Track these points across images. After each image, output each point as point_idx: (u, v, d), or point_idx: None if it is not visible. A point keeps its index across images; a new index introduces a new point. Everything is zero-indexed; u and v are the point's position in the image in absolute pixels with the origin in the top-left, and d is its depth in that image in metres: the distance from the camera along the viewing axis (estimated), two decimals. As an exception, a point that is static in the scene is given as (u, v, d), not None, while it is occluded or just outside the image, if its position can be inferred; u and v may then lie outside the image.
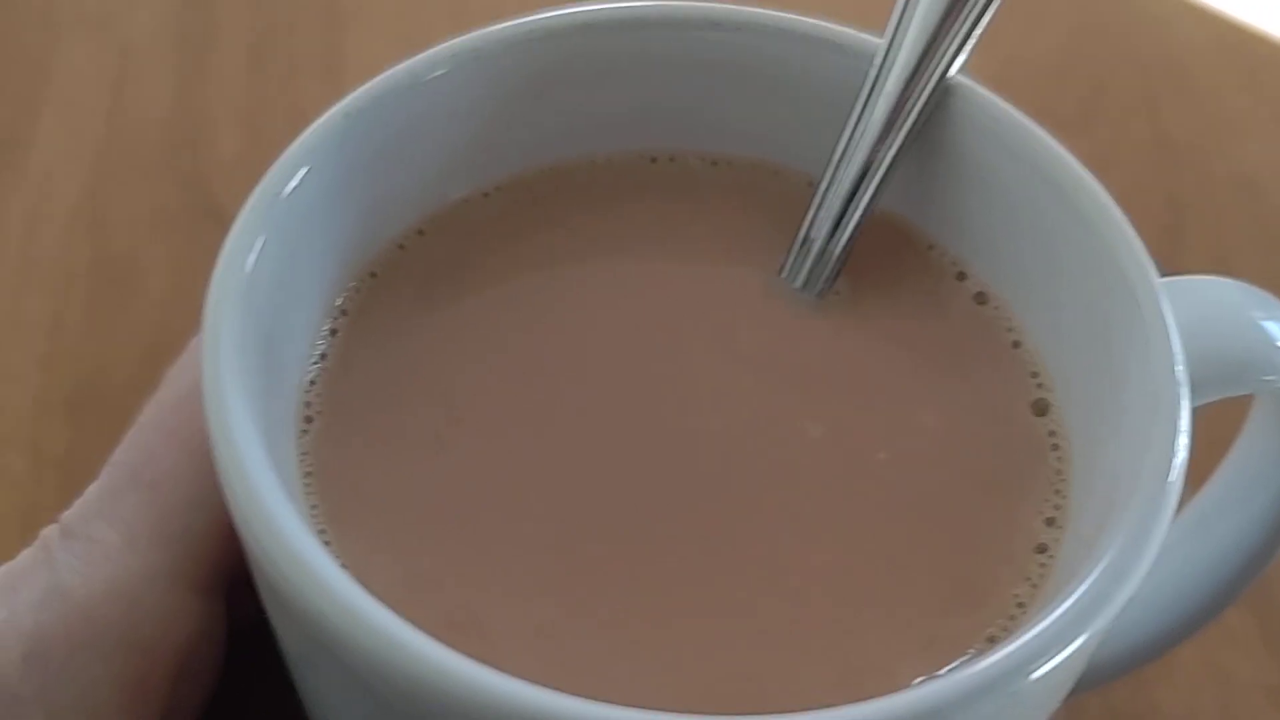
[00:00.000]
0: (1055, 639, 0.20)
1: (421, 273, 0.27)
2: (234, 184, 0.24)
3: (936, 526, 0.24)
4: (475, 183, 0.29)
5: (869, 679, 0.22)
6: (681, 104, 0.29)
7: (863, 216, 0.27)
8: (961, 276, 0.28)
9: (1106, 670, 0.32)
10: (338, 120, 0.26)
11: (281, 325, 0.25)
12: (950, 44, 0.26)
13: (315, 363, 0.26)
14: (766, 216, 0.29)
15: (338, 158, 0.26)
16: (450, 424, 0.25)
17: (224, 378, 0.22)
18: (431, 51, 0.27)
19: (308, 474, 0.24)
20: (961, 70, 0.27)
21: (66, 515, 0.25)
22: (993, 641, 0.23)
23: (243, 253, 0.24)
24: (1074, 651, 0.20)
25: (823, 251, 0.27)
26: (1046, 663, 0.20)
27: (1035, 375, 0.26)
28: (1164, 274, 0.25)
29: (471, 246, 0.28)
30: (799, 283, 0.28)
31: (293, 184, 0.25)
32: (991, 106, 0.27)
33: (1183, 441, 0.22)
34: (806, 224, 0.28)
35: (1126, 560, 0.21)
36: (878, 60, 0.27)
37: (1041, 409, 0.26)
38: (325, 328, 0.26)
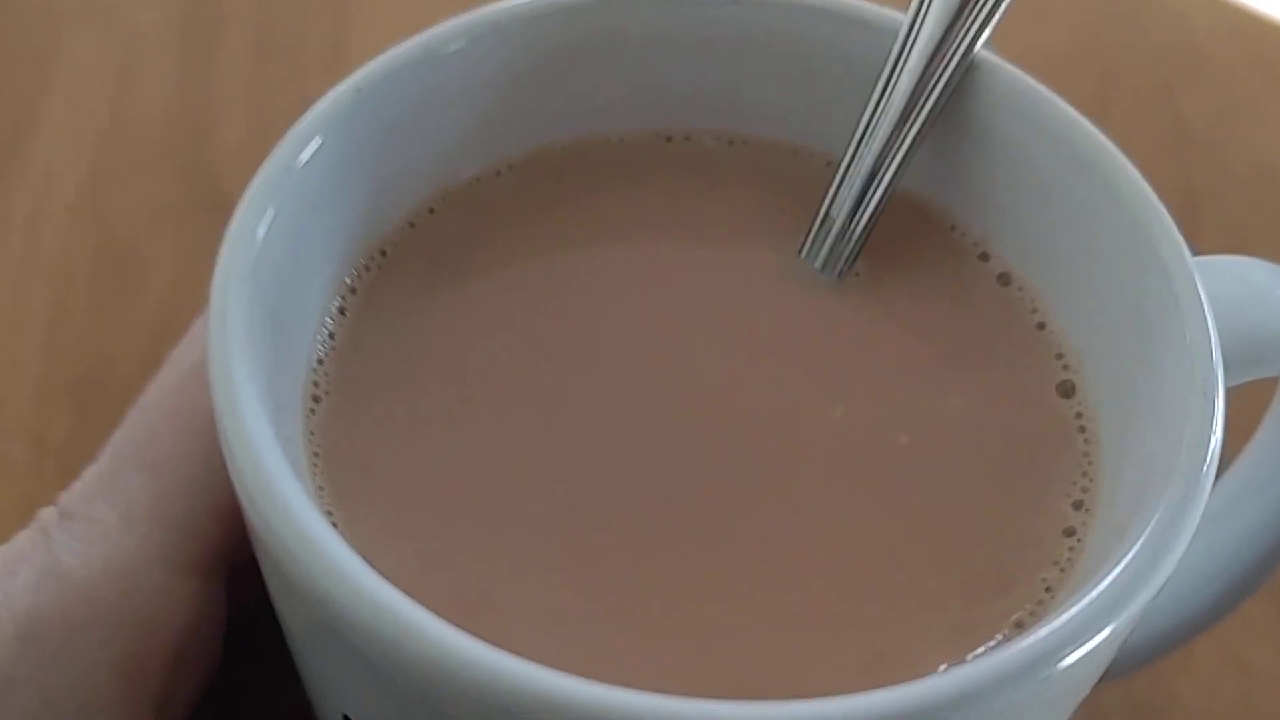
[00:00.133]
0: (1087, 625, 0.20)
1: (433, 251, 0.27)
2: (238, 176, 0.24)
3: (961, 510, 0.24)
4: (488, 160, 0.28)
5: (894, 665, 0.21)
6: (698, 82, 0.28)
7: (885, 196, 0.27)
8: (985, 257, 0.27)
9: (1127, 661, 0.31)
10: (350, 94, 0.25)
11: (290, 302, 0.24)
12: (975, 18, 0.26)
13: (324, 341, 0.25)
14: (784, 197, 0.28)
15: (349, 132, 0.25)
16: (461, 404, 0.25)
17: (231, 352, 0.22)
18: (446, 25, 0.26)
19: (315, 454, 0.24)
20: (986, 45, 0.26)
21: (65, 497, 0.24)
22: (1020, 627, 0.22)
23: (253, 223, 0.23)
24: (1105, 639, 0.20)
25: (843, 232, 0.27)
26: (1077, 649, 0.19)
27: (1060, 357, 0.26)
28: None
29: (484, 225, 0.27)
30: (818, 264, 0.27)
31: (305, 156, 0.24)
32: (1018, 82, 0.26)
33: (1218, 429, 0.22)
34: (826, 203, 0.27)
35: (1160, 546, 0.20)
36: (901, 35, 0.26)
37: (1067, 391, 0.25)
38: (334, 306, 0.26)
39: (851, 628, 0.22)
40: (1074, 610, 0.20)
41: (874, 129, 0.26)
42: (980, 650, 0.22)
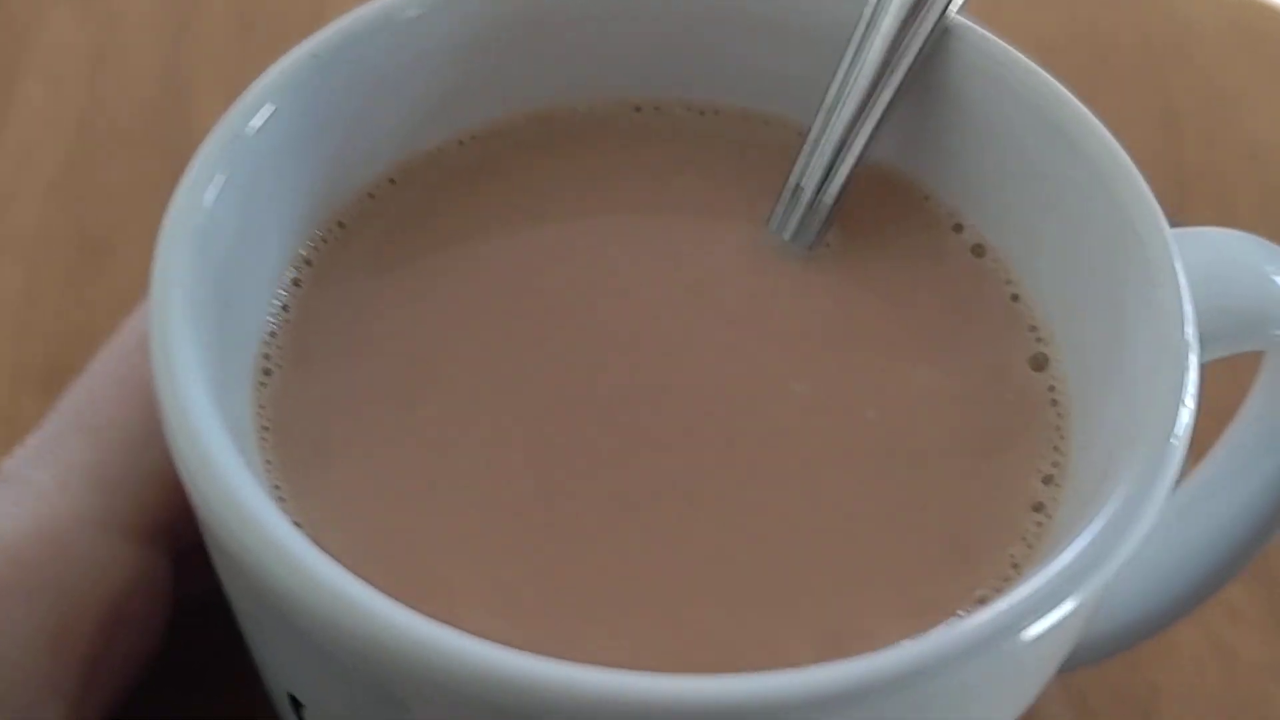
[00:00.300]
0: (1047, 598, 0.19)
1: (392, 223, 0.26)
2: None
3: (928, 485, 0.23)
4: (450, 130, 0.27)
5: (852, 642, 0.21)
6: (667, 50, 0.28)
7: (855, 165, 0.26)
8: (959, 228, 0.27)
9: (1106, 645, 0.31)
10: (306, 60, 0.25)
11: (240, 272, 0.23)
12: (948, -20, 0.25)
13: (276, 314, 0.25)
14: (756, 168, 0.27)
15: (305, 99, 0.25)
16: (417, 378, 0.24)
17: (173, 320, 0.21)
18: (407, -11, 0.26)
19: (264, 427, 0.23)
20: (961, 10, 0.25)
21: (6, 462, 0.23)
22: (983, 603, 0.21)
23: (200, 190, 0.23)
24: (1067, 613, 0.19)
25: (813, 202, 0.26)
26: (1037, 623, 0.19)
27: (1034, 329, 0.25)
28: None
29: (445, 197, 0.27)
30: (788, 235, 0.26)
31: (256, 123, 0.24)
32: (992, 47, 0.25)
33: (1190, 399, 0.21)
34: (796, 173, 0.26)
35: (1124, 519, 0.20)
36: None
37: (1040, 364, 0.25)
38: (288, 277, 0.25)
39: (810, 605, 0.22)
40: (1035, 584, 0.19)
41: (844, 97, 0.26)
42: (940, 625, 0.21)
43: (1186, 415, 0.21)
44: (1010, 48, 0.25)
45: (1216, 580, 0.30)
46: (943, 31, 0.25)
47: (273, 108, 0.24)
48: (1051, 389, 0.24)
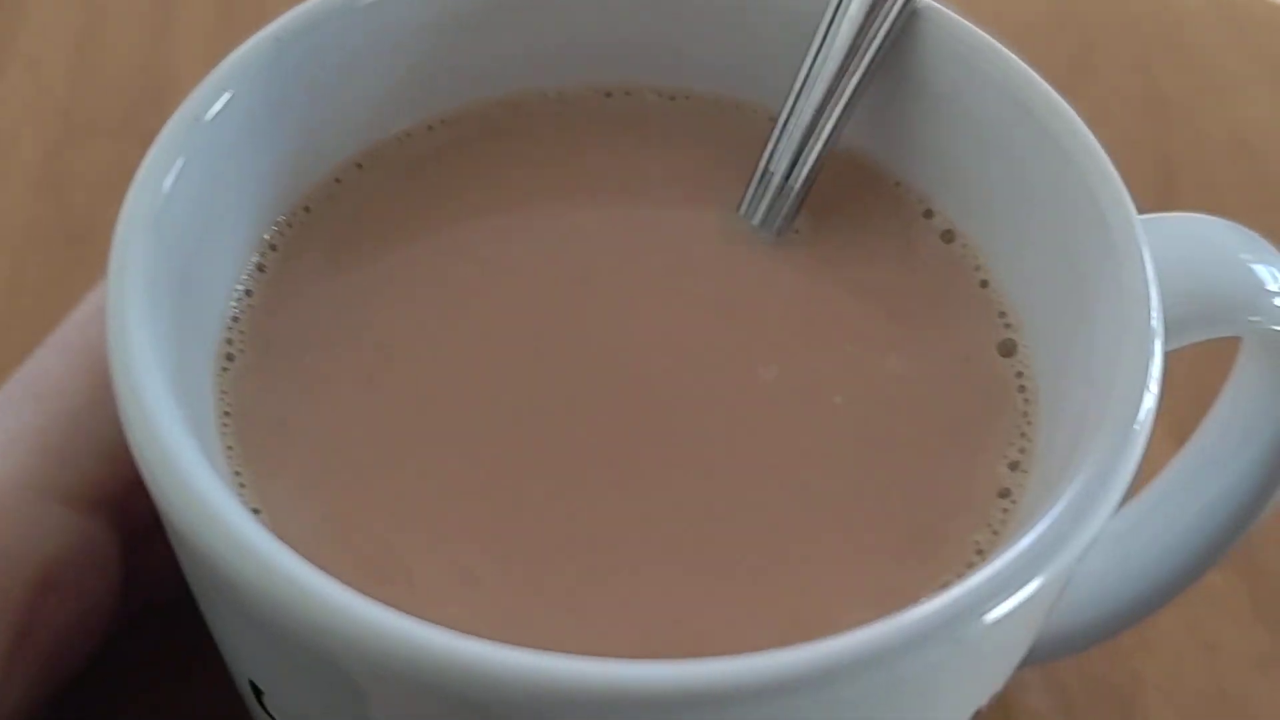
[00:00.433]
0: (1008, 582, 0.19)
1: (358, 208, 0.26)
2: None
3: (893, 472, 0.23)
4: (418, 115, 0.27)
5: (813, 628, 0.20)
6: (637, 34, 0.28)
7: (824, 149, 0.26)
8: (929, 214, 0.26)
9: (1086, 635, 0.31)
10: (267, 44, 0.24)
11: (201, 257, 0.23)
12: (917, -37, 0.25)
13: (239, 299, 0.24)
14: (726, 153, 0.27)
15: (267, 84, 0.24)
16: (382, 365, 0.24)
17: (129, 304, 0.21)
18: (370, -27, 0.25)
19: (226, 413, 0.23)
20: (929, -7, 0.25)
21: None
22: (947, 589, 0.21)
23: (158, 174, 0.22)
24: (1029, 596, 0.19)
25: (782, 187, 0.26)
26: (998, 607, 0.19)
27: (1003, 315, 0.25)
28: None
29: (412, 182, 0.27)
30: (757, 220, 0.26)
31: (215, 109, 0.23)
32: (961, 31, 0.25)
33: (1154, 384, 0.21)
34: (765, 158, 0.26)
35: (1085, 504, 0.20)
36: (842, -18, 0.25)
37: (1009, 350, 0.24)
38: (252, 262, 0.25)
39: (773, 591, 0.21)
40: (994, 568, 0.19)
41: (813, 81, 0.26)
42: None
43: (1150, 400, 0.21)
44: (980, 31, 0.25)
45: (1196, 568, 0.30)
46: (911, 14, 0.25)
47: (232, 92, 0.24)
48: (1020, 375, 0.24)
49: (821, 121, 0.26)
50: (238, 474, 0.22)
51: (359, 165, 0.27)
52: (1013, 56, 0.25)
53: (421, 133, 0.27)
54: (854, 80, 0.25)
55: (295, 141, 0.25)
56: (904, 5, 0.25)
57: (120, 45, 0.48)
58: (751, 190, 0.26)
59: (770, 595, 0.21)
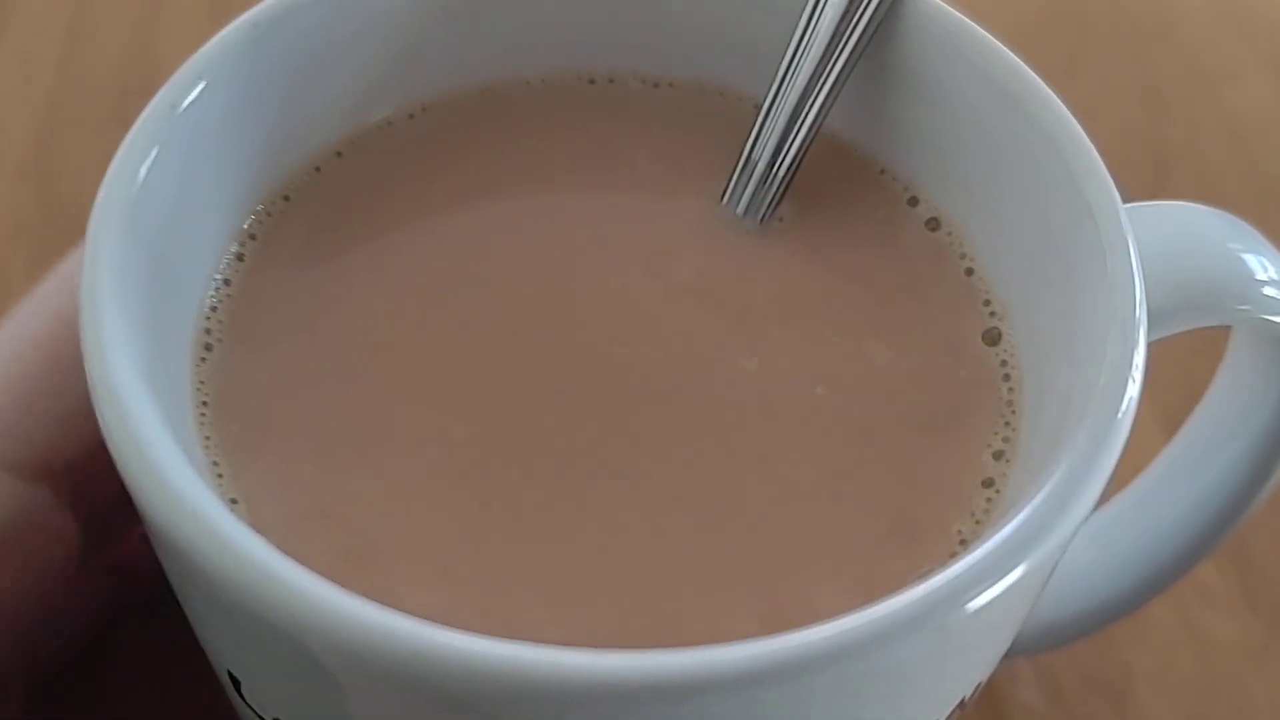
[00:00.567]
0: (990, 570, 0.18)
1: (338, 197, 0.26)
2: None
3: (876, 461, 0.23)
4: (399, 103, 0.27)
5: (794, 618, 0.20)
6: (621, 21, 0.27)
7: (808, 137, 0.25)
8: (914, 202, 0.26)
9: (1077, 627, 0.30)
10: (244, 31, 0.24)
11: (177, 246, 0.23)
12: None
13: (218, 288, 0.24)
14: (710, 141, 0.27)
15: (244, 71, 0.24)
16: (361, 355, 0.24)
17: (102, 293, 0.21)
18: (352, -42, 0.25)
19: (203, 402, 0.23)
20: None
21: None
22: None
23: (134, 163, 0.22)
24: (1012, 585, 0.19)
25: (766, 175, 0.26)
26: (980, 595, 0.18)
27: (988, 303, 0.25)
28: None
29: (393, 171, 0.26)
30: (741, 208, 0.26)
31: (191, 96, 0.23)
32: (946, 17, 0.25)
33: (1137, 372, 0.21)
34: (749, 146, 0.26)
35: (1068, 492, 0.19)
36: (826, -33, 0.25)
37: (993, 338, 0.24)
38: (231, 251, 0.25)
39: (755, 581, 0.21)
40: (974, 557, 0.18)
41: (797, 68, 0.25)
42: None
43: (1134, 389, 0.20)
44: (965, 18, 0.25)
45: (1188, 560, 0.30)
46: (895, 0, 0.25)
47: (209, 80, 0.23)
48: (1004, 364, 0.24)
49: (805, 109, 0.25)
50: (215, 464, 0.22)
51: (339, 153, 0.26)
52: (998, 44, 0.24)
53: (403, 120, 0.27)
54: (838, 67, 0.25)
55: (274, 129, 0.25)
56: (888, -9, 0.25)
57: (109, 38, 0.48)
58: (735, 178, 0.26)
59: (751, 586, 0.21)
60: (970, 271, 0.25)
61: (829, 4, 0.25)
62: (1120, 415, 0.20)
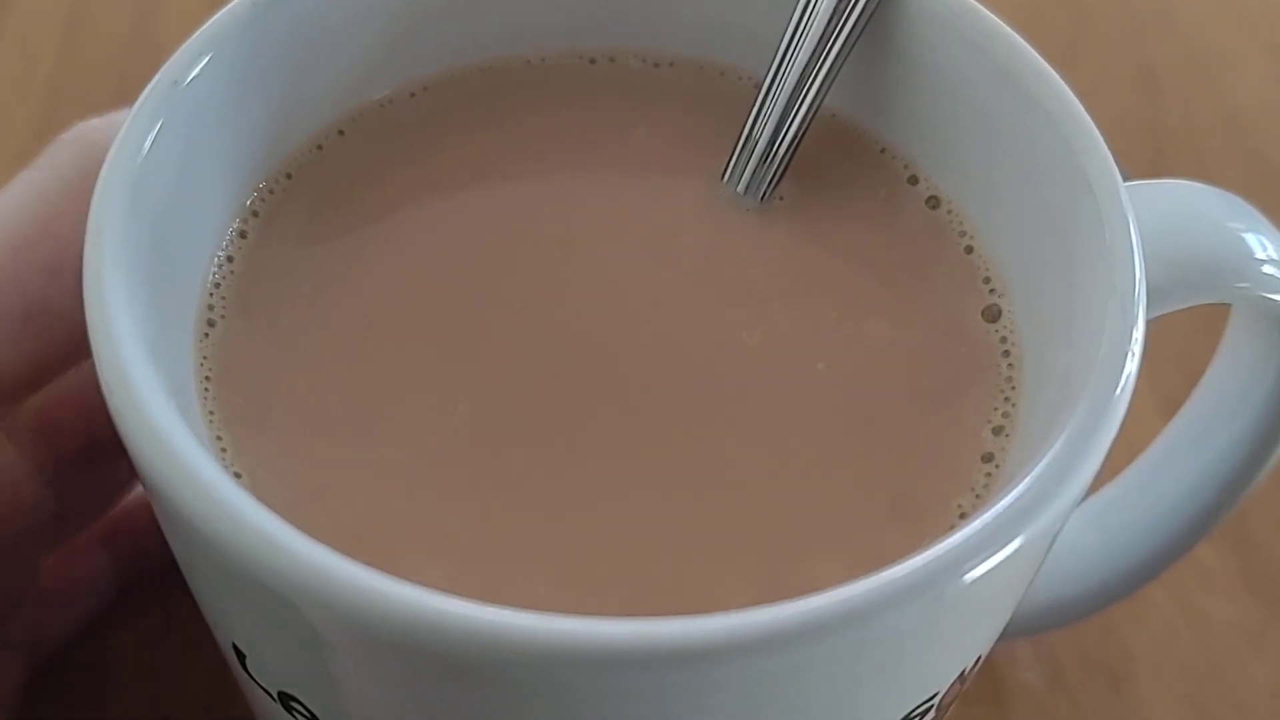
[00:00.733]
0: (987, 541, 0.19)
1: (340, 175, 0.26)
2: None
3: (877, 437, 0.23)
4: (401, 81, 0.27)
5: (794, 590, 0.20)
6: (622, 1, 0.27)
7: (808, 115, 0.26)
8: (914, 180, 0.26)
9: (1077, 608, 0.31)
10: (247, 7, 0.24)
11: (181, 222, 0.23)
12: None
13: (221, 265, 0.24)
14: (711, 120, 0.27)
15: (246, 48, 0.24)
16: (363, 331, 0.24)
17: (105, 266, 0.21)
18: (352, -64, 0.25)
19: (206, 378, 0.23)
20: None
21: None
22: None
23: (137, 138, 0.22)
24: (1009, 556, 0.19)
25: (766, 154, 0.26)
26: (978, 566, 0.18)
27: (988, 281, 0.25)
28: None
29: (395, 149, 0.26)
30: (741, 187, 0.26)
31: (194, 72, 0.23)
32: (945, -5, 0.25)
33: (1136, 348, 0.21)
34: (749, 125, 0.26)
35: (1066, 465, 0.19)
36: (826, -54, 0.25)
37: (993, 315, 0.24)
38: (233, 229, 0.25)
39: (753, 555, 0.21)
40: (971, 529, 0.19)
41: (797, 46, 0.25)
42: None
43: (1132, 365, 0.20)
44: (965, -3, 0.25)
45: (1187, 540, 0.30)
46: (896, -22, 0.25)
47: (211, 55, 0.23)
48: (1004, 340, 0.24)
49: (805, 87, 0.25)
50: (219, 439, 0.22)
51: (341, 131, 0.26)
52: (998, 22, 0.24)
53: (404, 99, 0.27)
54: (838, 45, 0.25)
55: (276, 106, 0.25)
56: (888, -31, 0.25)
57: (109, 21, 0.48)
58: (735, 157, 0.26)
59: (752, 560, 0.21)
60: (970, 249, 0.25)
61: (829, -17, 0.25)
62: (1119, 390, 0.20)
